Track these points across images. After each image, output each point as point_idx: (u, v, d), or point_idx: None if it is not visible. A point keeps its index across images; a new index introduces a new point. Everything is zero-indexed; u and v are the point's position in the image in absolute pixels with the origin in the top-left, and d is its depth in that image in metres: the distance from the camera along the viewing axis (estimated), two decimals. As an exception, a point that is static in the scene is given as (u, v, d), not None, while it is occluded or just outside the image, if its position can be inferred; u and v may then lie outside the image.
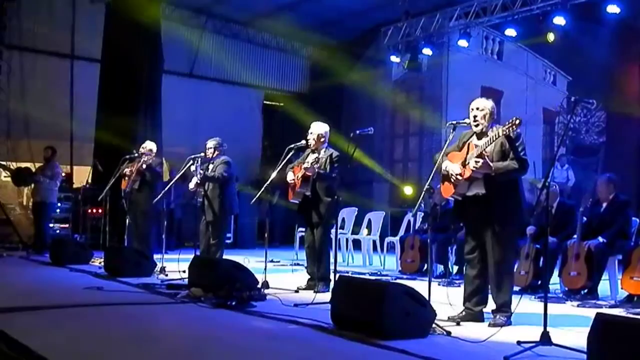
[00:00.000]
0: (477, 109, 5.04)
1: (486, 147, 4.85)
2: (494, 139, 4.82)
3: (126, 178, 8.99)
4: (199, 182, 7.91)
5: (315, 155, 6.85)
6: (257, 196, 7.50)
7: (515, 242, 5.20)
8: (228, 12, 15.12)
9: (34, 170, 11.44)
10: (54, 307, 5.34)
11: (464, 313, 5.10)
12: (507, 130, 4.68)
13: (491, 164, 4.79)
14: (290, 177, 6.99)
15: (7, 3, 12.70)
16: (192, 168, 7.96)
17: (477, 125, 5.03)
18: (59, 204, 12.21)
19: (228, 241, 13.45)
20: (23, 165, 11.98)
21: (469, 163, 4.88)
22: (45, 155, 11.16)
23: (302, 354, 4.02)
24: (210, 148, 8.19)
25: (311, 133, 6.99)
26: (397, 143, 15.47)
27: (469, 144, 5.06)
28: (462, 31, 12.96)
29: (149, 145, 9.07)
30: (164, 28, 12.88)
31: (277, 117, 17.43)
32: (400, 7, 13.66)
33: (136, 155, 9.14)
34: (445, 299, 5.34)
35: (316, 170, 6.75)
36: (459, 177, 4.96)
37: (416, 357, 3.78)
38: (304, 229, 7.67)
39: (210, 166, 8.09)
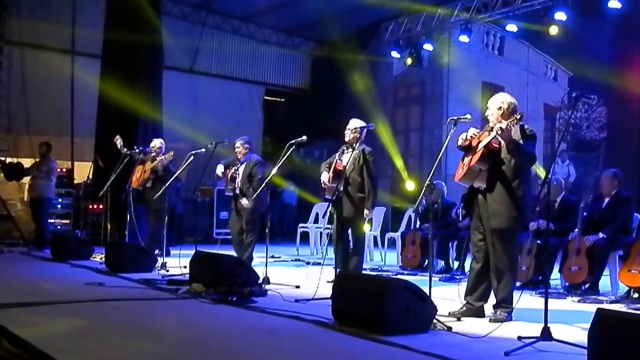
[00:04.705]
0: (487, 107, 5.13)
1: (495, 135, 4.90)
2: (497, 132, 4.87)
3: (138, 176, 9.14)
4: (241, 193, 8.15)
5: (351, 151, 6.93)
6: (257, 193, 7.52)
7: (517, 238, 5.20)
8: (228, 8, 15.11)
9: (29, 165, 11.44)
10: (55, 303, 5.35)
11: (464, 308, 5.10)
12: (510, 125, 4.73)
13: (512, 136, 4.83)
14: (324, 176, 7.00)
15: (7, -1, 12.70)
16: (219, 173, 8.31)
17: (490, 123, 5.11)
18: (59, 200, 12.22)
19: (228, 237, 13.48)
20: (24, 161, 11.98)
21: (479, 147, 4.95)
22: (40, 151, 11.14)
23: (303, 349, 4.03)
24: (239, 147, 8.37)
25: (348, 129, 7.03)
26: (398, 139, 15.44)
27: (488, 131, 5.09)
28: (463, 27, 12.95)
29: (158, 144, 9.23)
30: (164, 24, 12.88)
31: (277, 112, 17.42)
32: (401, 2, 13.64)
33: (136, 150, 9.26)
34: (448, 295, 5.35)
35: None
36: (472, 136, 5.04)
37: (417, 352, 3.79)
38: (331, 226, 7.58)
39: (242, 167, 8.21)
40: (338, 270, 6.86)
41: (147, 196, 8.94)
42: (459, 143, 5.14)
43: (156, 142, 9.39)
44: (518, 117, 4.72)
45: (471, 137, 5.07)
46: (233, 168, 8.28)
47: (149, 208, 9.02)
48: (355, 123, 7.03)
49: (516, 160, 4.88)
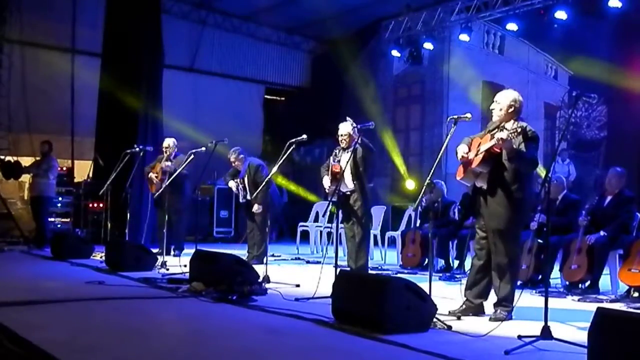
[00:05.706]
0: (496, 101, 5.08)
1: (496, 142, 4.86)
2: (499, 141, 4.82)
3: (154, 180, 9.36)
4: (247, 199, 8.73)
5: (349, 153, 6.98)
6: (257, 191, 7.54)
7: (518, 237, 5.19)
8: (228, 6, 15.10)
9: (29, 164, 11.43)
10: (55, 302, 5.36)
11: (464, 306, 5.10)
12: (510, 136, 4.72)
13: (514, 146, 4.81)
14: (326, 182, 7.07)
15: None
16: (233, 187, 8.91)
17: (494, 117, 5.07)
18: (60, 198, 12.23)
19: (229, 235, 13.52)
20: (24, 159, 11.98)
21: (480, 149, 4.94)
22: (42, 149, 11.15)
23: (303, 348, 4.02)
24: (235, 161, 8.86)
25: (341, 135, 7.04)
26: (398, 138, 15.45)
27: (491, 133, 5.04)
28: (464, 25, 12.95)
29: (171, 143, 9.47)
30: (164, 22, 12.86)
31: (278, 111, 17.41)
32: (401, 1, 13.64)
33: (136, 149, 9.34)
34: (448, 294, 5.34)
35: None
36: (464, 156, 5.01)
37: (417, 351, 3.79)
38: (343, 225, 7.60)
39: (245, 177, 8.73)
40: (349, 268, 6.95)
41: (164, 198, 8.98)
42: (458, 159, 5.13)
43: (169, 142, 9.50)
44: (519, 130, 4.73)
45: (463, 156, 5.05)
46: (237, 179, 8.66)
47: (169, 208, 8.97)
48: (344, 128, 7.05)
49: (516, 167, 4.88)
